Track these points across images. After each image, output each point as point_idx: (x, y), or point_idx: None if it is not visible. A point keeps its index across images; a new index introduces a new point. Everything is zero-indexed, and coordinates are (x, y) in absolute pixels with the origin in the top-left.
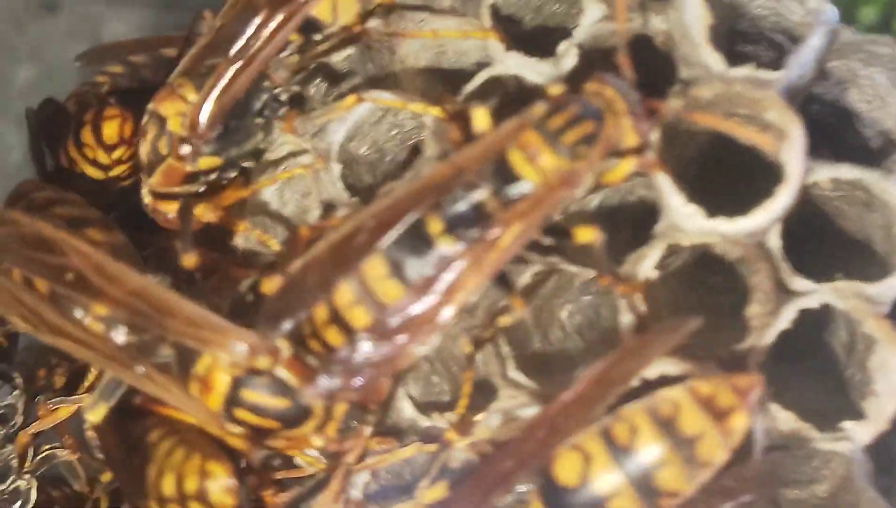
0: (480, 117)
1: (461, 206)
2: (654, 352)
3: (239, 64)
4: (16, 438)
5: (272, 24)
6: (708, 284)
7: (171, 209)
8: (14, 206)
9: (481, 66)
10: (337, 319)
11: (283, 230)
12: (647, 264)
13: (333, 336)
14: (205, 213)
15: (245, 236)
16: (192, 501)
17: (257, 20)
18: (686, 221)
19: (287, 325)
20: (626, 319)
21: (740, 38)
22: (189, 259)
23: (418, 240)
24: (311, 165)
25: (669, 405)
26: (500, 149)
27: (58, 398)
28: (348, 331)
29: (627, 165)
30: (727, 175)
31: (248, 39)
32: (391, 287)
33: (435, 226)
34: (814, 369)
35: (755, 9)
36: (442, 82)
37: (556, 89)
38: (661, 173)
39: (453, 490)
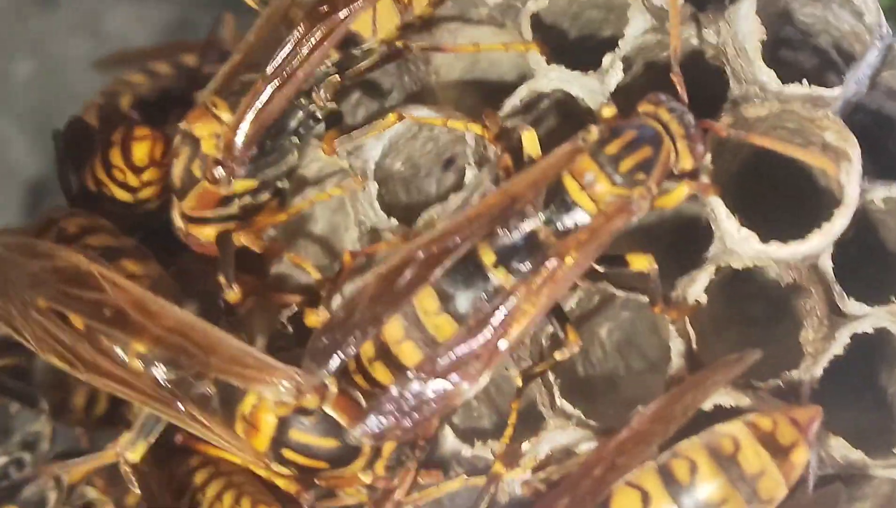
0: (529, 140)
1: (514, 237)
2: (715, 387)
3: (276, 83)
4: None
5: (311, 41)
6: (745, 306)
7: (203, 234)
8: (44, 235)
9: (519, 76)
10: (385, 355)
11: (318, 250)
12: (696, 287)
13: (381, 373)
14: (243, 241)
15: (279, 259)
16: None
17: (295, 36)
18: (741, 245)
19: (334, 363)
20: (676, 345)
21: (783, 44)
22: (233, 295)
23: (471, 273)
24: (349, 185)
25: (729, 442)
26: (554, 176)
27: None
28: (397, 368)
29: (683, 191)
30: (770, 189)
31: (286, 57)
32: (443, 323)
33: (488, 258)
34: (859, 390)
35: (803, 16)
36: (477, 93)
37: (608, 111)
38: (714, 196)
39: None
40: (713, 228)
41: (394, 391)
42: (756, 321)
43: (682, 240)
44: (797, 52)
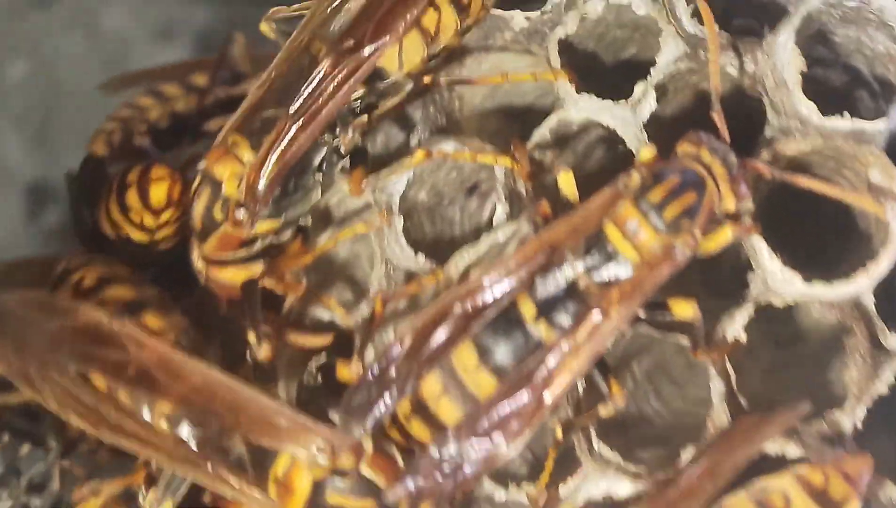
0: (566, 182)
1: (555, 288)
2: (764, 441)
3: (300, 122)
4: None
5: (336, 79)
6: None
7: (224, 276)
8: (60, 285)
9: (541, 96)
10: (423, 411)
11: (341, 284)
12: (735, 325)
13: (419, 429)
14: (269, 285)
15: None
16: None
17: (319, 73)
18: (784, 286)
19: (371, 422)
20: (716, 386)
21: (814, 63)
22: (264, 353)
23: (511, 327)
24: (374, 221)
25: (780, 498)
26: (595, 223)
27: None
28: (436, 425)
29: (727, 234)
30: (799, 215)
31: (310, 94)
32: (483, 379)
33: (528, 311)
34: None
35: (837, 37)
36: (501, 117)
37: (647, 152)
38: (757, 236)
39: None
40: (753, 266)
41: (433, 451)
42: (795, 353)
43: (716, 270)
44: (827, 70)
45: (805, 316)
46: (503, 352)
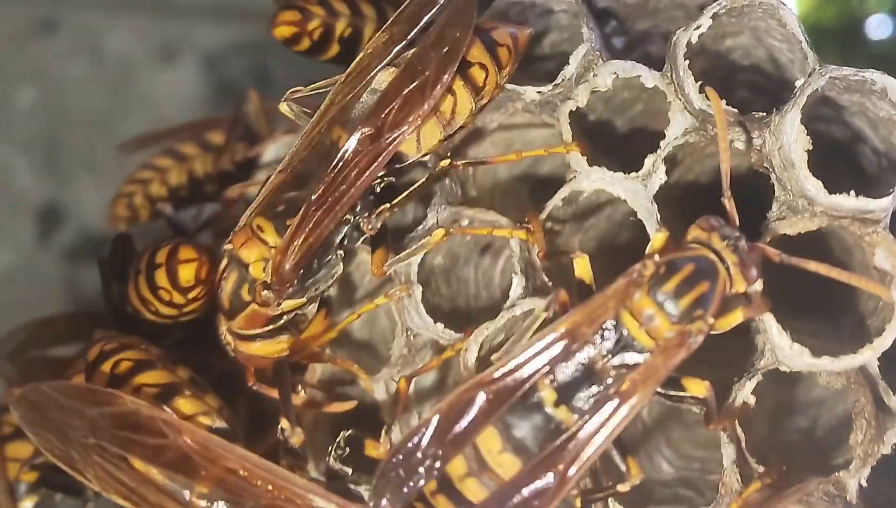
0: (582, 267)
1: (574, 375)
2: None
3: (324, 208)
4: None
5: (358, 166)
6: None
7: (252, 349)
8: (96, 369)
9: (559, 172)
10: (448, 488)
11: (365, 356)
12: (744, 391)
13: (443, 504)
14: (297, 358)
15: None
16: None
17: (341, 160)
18: (793, 359)
19: (400, 501)
20: (728, 452)
21: (816, 119)
22: (297, 437)
23: (533, 412)
24: (395, 293)
25: None
26: (611, 312)
27: None
28: (461, 502)
29: (738, 317)
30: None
31: (332, 180)
32: (507, 461)
33: (549, 396)
34: None
35: (841, 101)
36: (517, 185)
37: (659, 239)
38: (767, 314)
39: None
40: (763, 339)
41: None
42: (799, 415)
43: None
44: (830, 125)
45: (811, 383)
46: (526, 435)
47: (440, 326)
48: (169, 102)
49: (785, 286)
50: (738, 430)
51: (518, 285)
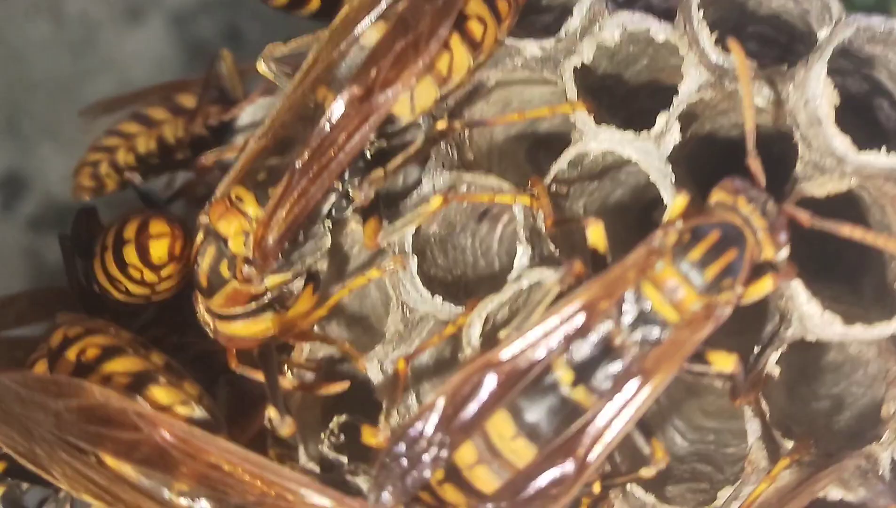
0: (595, 234)
1: (593, 352)
2: (817, 492)
3: (310, 175)
4: None
5: (347, 129)
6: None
7: (233, 330)
8: (59, 357)
9: (561, 131)
10: (456, 478)
11: (358, 333)
12: (770, 363)
13: (452, 495)
14: (283, 339)
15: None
16: None
17: (327, 123)
18: (824, 328)
19: (404, 494)
20: (753, 427)
21: (833, 73)
22: (287, 427)
23: (548, 394)
24: (388, 266)
25: None
26: (631, 283)
27: None
28: (470, 491)
29: (769, 285)
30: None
31: (319, 145)
32: (520, 447)
33: (565, 376)
34: None
35: (861, 53)
36: (516, 149)
37: (680, 203)
38: (795, 280)
39: None
40: (790, 308)
41: None
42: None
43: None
44: (846, 78)
45: (835, 352)
46: (541, 420)
47: (438, 299)
48: (135, 65)
49: (799, 249)
50: (763, 404)
51: (523, 254)
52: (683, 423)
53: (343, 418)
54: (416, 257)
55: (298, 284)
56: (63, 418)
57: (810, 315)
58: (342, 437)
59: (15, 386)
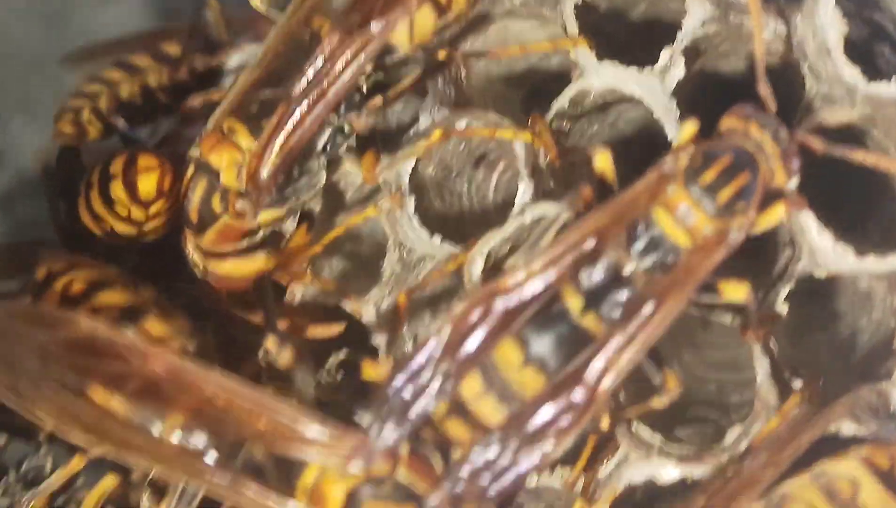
0: (603, 162)
1: (603, 279)
2: (827, 426)
3: (305, 106)
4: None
5: (344, 58)
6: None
7: (224, 268)
8: (44, 292)
9: (561, 68)
10: (461, 411)
11: (354, 273)
12: (779, 300)
13: (457, 429)
14: (276, 277)
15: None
16: None
17: (324, 51)
18: (835, 260)
19: (406, 427)
20: (762, 365)
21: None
22: (285, 358)
23: (557, 321)
24: (385, 204)
25: (847, 483)
26: (642, 208)
27: None
28: (476, 426)
29: (778, 212)
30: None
31: (315, 75)
32: (528, 377)
33: (574, 303)
34: None
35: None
36: (514, 87)
37: (689, 130)
38: (806, 212)
39: None
40: (799, 241)
41: (475, 454)
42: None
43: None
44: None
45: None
46: (550, 348)
47: (437, 239)
48: (110, 36)
49: (821, 193)
50: (772, 343)
51: (525, 192)
52: (686, 375)
53: (341, 355)
54: (413, 197)
55: (291, 224)
56: (49, 350)
57: (822, 248)
58: (340, 375)
59: None
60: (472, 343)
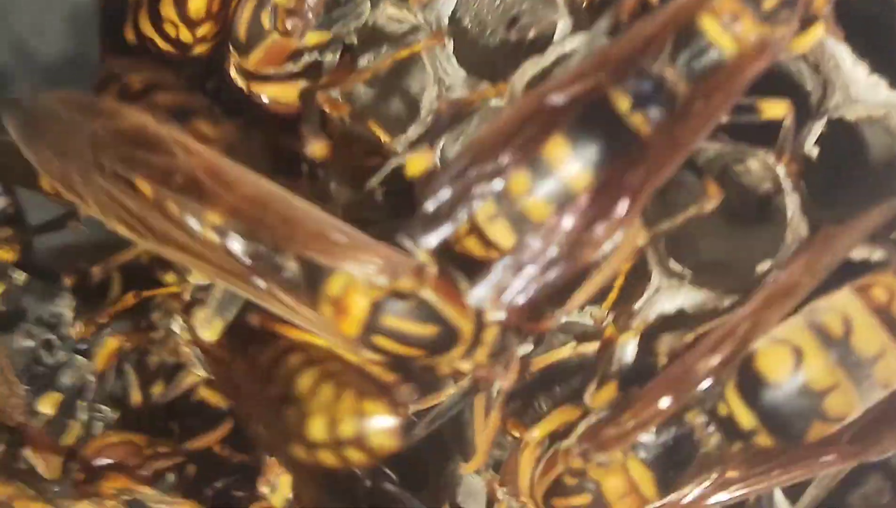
0: None
1: (650, 81)
2: (863, 235)
3: None
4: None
5: None
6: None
7: (266, 92)
8: (105, 90)
9: None
10: (508, 209)
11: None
12: (810, 139)
13: (503, 233)
14: (321, 102)
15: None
16: (349, 447)
17: None
18: (868, 92)
19: (437, 238)
20: (793, 200)
21: None
22: (318, 148)
23: (604, 120)
24: (427, 42)
25: (838, 320)
26: (688, 15)
27: None
28: (522, 225)
29: (817, 31)
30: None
31: None
32: (576, 173)
33: (623, 103)
34: None
35: None
36: None
37: None
38: (839, 42)
39: (629, 390)
40: (832, 79)
41: (517, 252)
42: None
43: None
44: None
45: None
46: (596, 147)
47: (474, 78)
48: None
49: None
50: (802, 182)
51: (565, 26)
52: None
53: (383, 172)
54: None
55: (333, 59)
56: (100, 139)
57: (855, 80)
58: (380, 194)
59: (53, 105)
60: (520, 139)
